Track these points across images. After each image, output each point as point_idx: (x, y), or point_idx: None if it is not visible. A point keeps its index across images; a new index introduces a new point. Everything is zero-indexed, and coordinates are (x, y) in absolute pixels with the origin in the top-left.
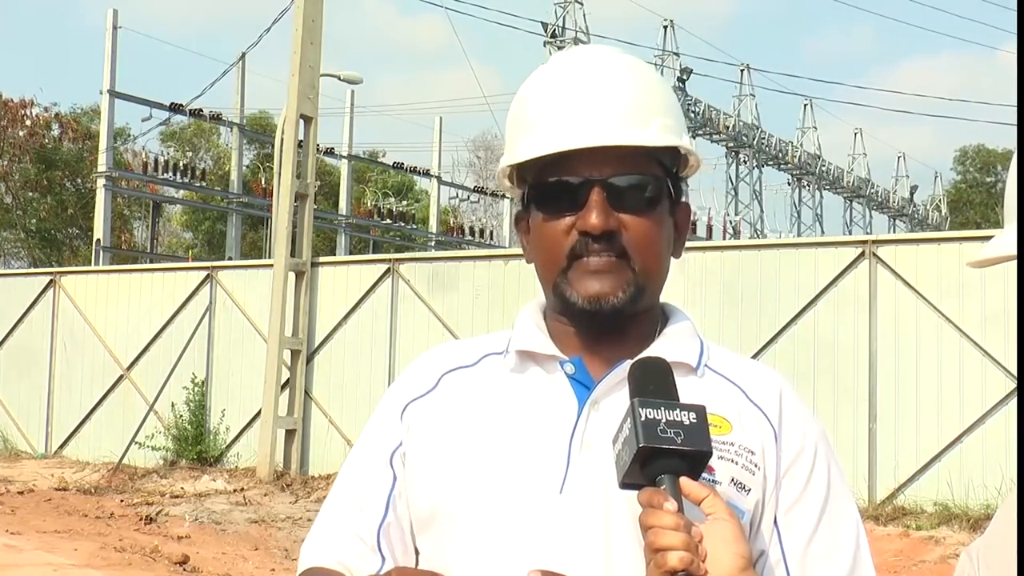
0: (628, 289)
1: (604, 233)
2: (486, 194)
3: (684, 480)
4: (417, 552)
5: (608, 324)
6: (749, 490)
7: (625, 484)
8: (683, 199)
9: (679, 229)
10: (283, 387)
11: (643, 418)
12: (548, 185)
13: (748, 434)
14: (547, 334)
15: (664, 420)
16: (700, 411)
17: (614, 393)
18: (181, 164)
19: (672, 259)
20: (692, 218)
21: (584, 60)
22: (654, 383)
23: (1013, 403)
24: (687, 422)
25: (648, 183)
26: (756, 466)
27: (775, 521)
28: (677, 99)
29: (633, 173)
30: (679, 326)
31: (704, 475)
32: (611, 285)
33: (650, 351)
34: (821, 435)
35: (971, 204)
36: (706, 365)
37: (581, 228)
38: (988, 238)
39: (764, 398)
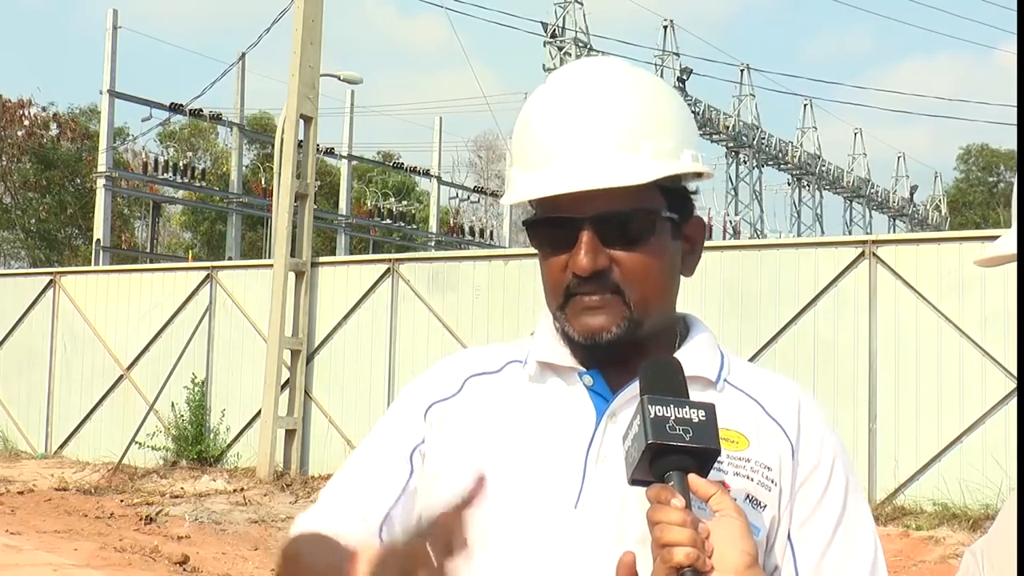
0: (622, 324)
1: (594, 274)
2: (486, 194)
3: (692, 477)
4: None
5: (608, 355)
6: (765, 506)
7: (634, 480)
8: (694, 214)
9: (692, 244)
10: (283, 387)
11: (652, 415)
12: (540, 223)
13: (765, 450)
14: (566, 346)
15: (673, 417)
16: (709, 409)
17: (632, 406)
18: (181, 164)
19: (683, 277)
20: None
21: (578, 84)
22: (664, 381)
23: (1013, 403)
24: (696, 419)
25: (639, 216)
26: (772, 482)
27: (788, 535)
28: (681, 108)
29: (622, 208)
30: (699, 339)
31: None
32: (604, 321)
33: None
34: (839, 448)
35: (971, 204)
36: (726, 380)
37: (572, 269)
38: (988, 238)
39: (782, 412)
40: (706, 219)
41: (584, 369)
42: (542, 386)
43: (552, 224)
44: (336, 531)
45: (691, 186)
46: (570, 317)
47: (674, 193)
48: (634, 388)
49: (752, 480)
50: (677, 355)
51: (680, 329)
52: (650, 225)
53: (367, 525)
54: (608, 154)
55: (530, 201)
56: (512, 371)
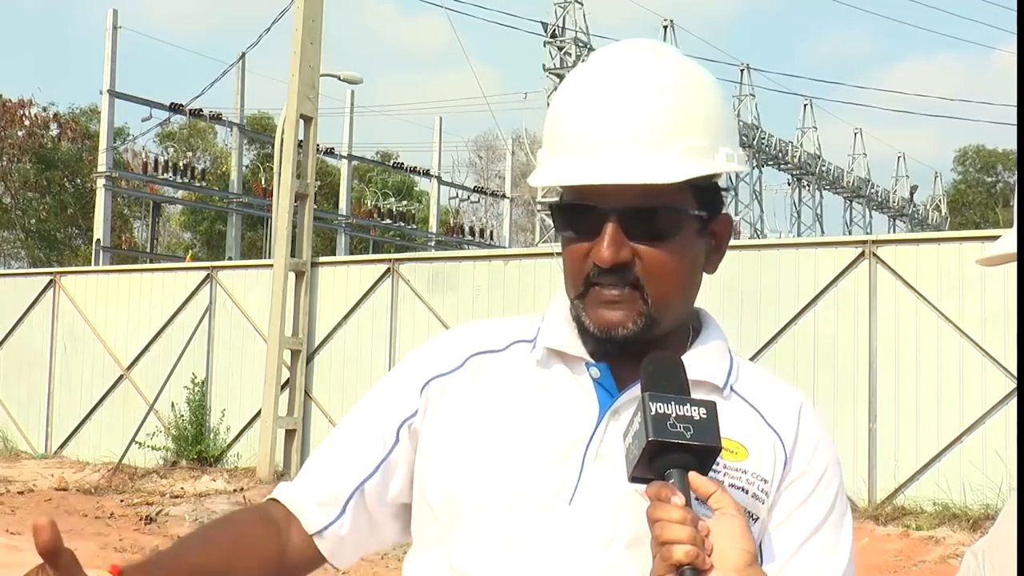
0: (639, 320)
1: (615, 266)
2: (486, 194)
3: (692, 475)
4: (401, 522)
5: (622, 350)
6: (757, 519)
7: (634, 478)
8: (723, 211)
9: (719, 241)
10: (283, 387)
11: (653, 412)
12: (567, 209)
13: (763, 461)
14: (576, 333)
15: (674, 415)
16: (711, 407)
17: (636, 404)
18: (180, 164)
19: (705, 274)
20: (732, 232)
21: (619, 72)
22: (666, 378)
23: (1013, 403)
24: (697, 417)
25: (666, 213)
26: (767, 494)
27: (760, 542)
28: (721, 104)
29: (650, 203)
30: (711, 345)
31: None
32: (621, 316)
33: None
34: (832, 462)
35: (971, 204)
36: (732, 387)
37: (594, 259)
38: (987, 238)
39: (781, 422)
40: None
41: (593, 361)
42: (547, 372)
43: (579, 211)
44: (300, 502)
45: (723, 181)
46: (587, 308)
47: (704, 191)
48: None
49: (747, 492)
50: (687, 356)
51: (694, 324)
52: (676, 223)
53: (336, 493)
54: (642, 150)
55: (559, 185)
56: (518, 352)
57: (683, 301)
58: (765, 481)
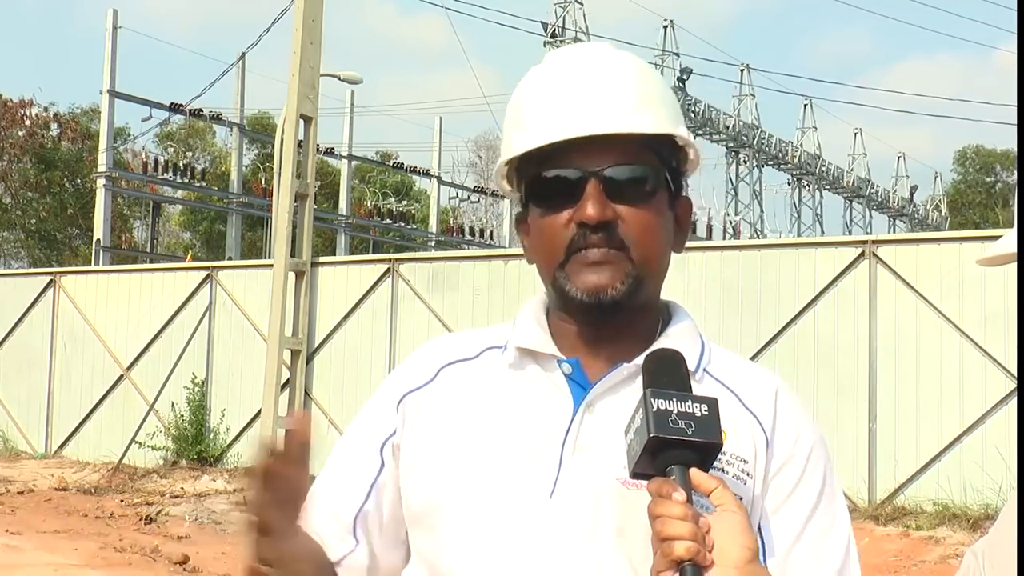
0: (627, 281)
1: (601, 224)
2: (486, 194)
3: (694, 471)
4: (408, 547)
5: (608, 317)
6: (740, 499)
7: (636, 474)
8: (684, 193)
9: (680, 223)
10: (283, 387)
11: (655, 408)
12: (545, 179)
13: (742, 442)
14: (547, 332)
15: (676, 411)
16: (712, 403)
17: (610, 396)
18: (180, 164)
19: (673, 253)
20: (692, 218)
21: (578, 56)
22: (667, 375)
23: (1013, 403)
24: (699, 414)
25: (645, 173)
26: (748, 475)
27: (759, 527)
28: (674, 96)
29: (629, 163)
30: (681, 327)
31: None
32: (609, 277)
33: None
34: (818, 441)
35: (971, 204)
36: (705, 369)
37: (578, 219)
38: (987, 238)
39: (758, 403)
40: (706, 219)
41: (563, 357)
42: (520, 373)
43: (557, 180)
44: (318, 533)
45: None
46: (572, 275)
47: (670, 164)
48: (612, 378)
49: (727, 473)
50: (658, 342)
51: (664, 316)
52: (652, 187)
53: (339, 523)
54: (618, 113)
55: (528, 165)
56: (490, 357)
57: (662, 267)
58: (745, 462)
